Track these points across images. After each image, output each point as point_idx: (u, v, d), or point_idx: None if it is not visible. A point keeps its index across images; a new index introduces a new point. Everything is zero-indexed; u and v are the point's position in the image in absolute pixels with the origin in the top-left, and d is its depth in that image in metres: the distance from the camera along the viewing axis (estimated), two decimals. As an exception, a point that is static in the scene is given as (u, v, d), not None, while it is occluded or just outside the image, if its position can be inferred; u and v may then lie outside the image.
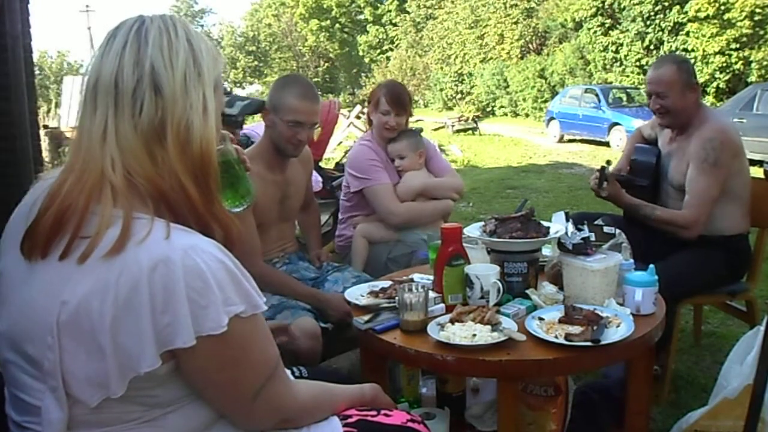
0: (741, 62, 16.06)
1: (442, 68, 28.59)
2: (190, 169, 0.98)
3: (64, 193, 0.95)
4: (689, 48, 16.59)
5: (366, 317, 1.70)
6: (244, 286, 0.95)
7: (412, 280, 1.90)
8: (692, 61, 8.51)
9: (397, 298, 1.65)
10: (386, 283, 1.93)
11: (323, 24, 40.55)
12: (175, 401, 0.98)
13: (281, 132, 2.20)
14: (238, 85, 45.97)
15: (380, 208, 2.63)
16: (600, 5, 19.51)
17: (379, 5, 39.79)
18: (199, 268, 0.90)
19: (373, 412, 1.23)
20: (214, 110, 1.02)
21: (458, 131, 17.87)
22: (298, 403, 1.09)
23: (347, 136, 12.47)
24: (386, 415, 1.23)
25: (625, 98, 15.36)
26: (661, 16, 17.65)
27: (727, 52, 16.07)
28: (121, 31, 1.00)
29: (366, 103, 2.92)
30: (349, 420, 1.19)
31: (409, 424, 1.23)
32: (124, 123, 0.96)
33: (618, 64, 19.39)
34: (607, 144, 13.61)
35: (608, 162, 2.62)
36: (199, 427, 1.01)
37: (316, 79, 36.35)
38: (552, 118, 15.82)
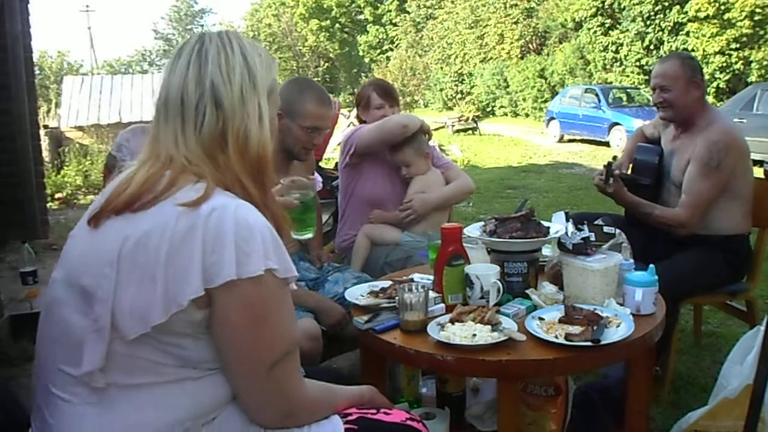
0: (741, 62, 16.07)
1: (442, 68, 28.58)
2: (249, 170, 1.11)
3: (144, 178, 1.08)
4: (689, 48, 16.59)
5: (366, 317, 1.70)
6: (282, 251, 1.07)
7: (412, 280, 1.90)
8: (692, 61, 8.45)
9: (397, 298, 1.65)
10: (386, 283, 1.93)
11: (323, 24, 40.53)
12: (201, 363, 1.06)
13: (297, 136, 2.20)
14: (238, 85, 45.89)
15: (390, 130, 2.57)
16: (600, 5, 19.51)
17: (379, 5, 39.78)
18: (247, 222, 1.03)
19: (373, 410, 1.25)
20: (268, 116, 1.15)
21: (458, 131, 17.87)
22: (304, 396, 1.13)
23: (347, 136, 12.45)
24: (386, 413, 1.25)
25: (625, 98, 15.37)
26: (661, 16, 17.65)
27: (727, 52, 16.08)
28: (185, 52, 1.14)
29: (357, 107, 2.90)
30: (350, 417, 1.20)
31: (409, 422, 1.24)
32: (190, 133, 1.10)
33: (618, 64, 19.39)
34: (607, 144, 13.62)
35: (614, 158, 2.62)
36: (213, 404, 1.07)
37: (316, 79, 36.25)
38: (552, 118, 15.83)
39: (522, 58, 24.33)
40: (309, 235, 1.63)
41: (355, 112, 2.99)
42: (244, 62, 1.13)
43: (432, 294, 1.71)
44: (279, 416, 1.11)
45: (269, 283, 1.04)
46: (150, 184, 1.07)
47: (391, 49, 35.37)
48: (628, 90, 16.16)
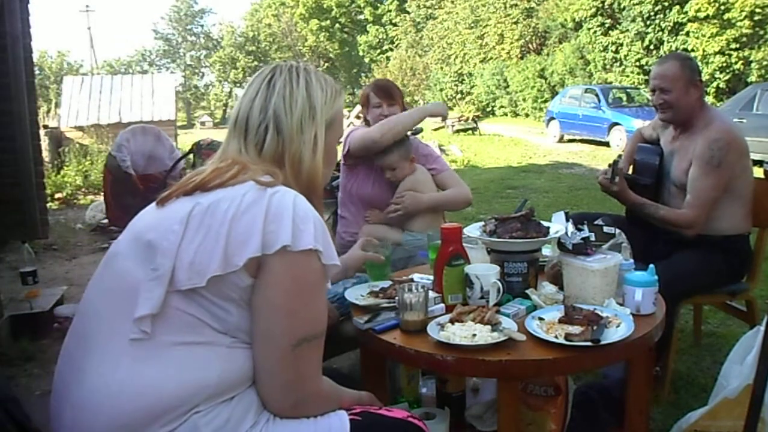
0: (741, 62, 16.07)
1: (442, 68, 28.58)
2: (302, 189, 1.25)
3: (212, 169, 1.23)
4: (689, 48, 16.59)
5: (366, 317, 1.70)
6: (329, 241, 1.19)
7: (412, 280, 1.90)
8: (692, 61, 8.43)
9: (397, 298, 1.65)
10: (386, 283, 1.93)
11: (323, 24, 40.53)
12: (238, 332, 1.15)
13: None
14: (238, 85, 45.98)
15: (364, 142, 2.63)
16: (600, 5, 19.51)
17: (379, 5, 39.78)
18: (305, 206, 1.18)
19: (376, 407, 1.30)
20: (323, 145, 1.30)
21: (458, 131, 17.88)
22: (319, 387, 1.21)
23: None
24: (388, 410, 1.30)
25: (625, 98, 15.37)
26: (661, 16, 17.65)
27: (727, 52, 16.08)
28: (257, 80, 1.32)
29: (361, 106, 2.94)
30: (354, 410, 1.25)
31: (410, 419, 1.29)
32: (251, 149, 1.27)
33: (618, 64, 19.39)
34: (607, 144, 13.62)
35: (619, 156, 2.62)
36: (237, 378, 1.14)
37: (316, 79, 36.19)
38: (552, 118, 15.83)
39: (522, 58, 24.33)
40: (383, 284, 1.92)
41: (355, 111, 3.00)
42: (306, 96, 1.29)
43: (432, 294, 1.71)
44: (291, 403, 1.17)
45: (315, 262, 1.16)
46: (218, 173, 1.21)
47: (391, 49, 35.38)
48: (628, 90, 16.16)
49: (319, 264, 1.16)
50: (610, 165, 2.55)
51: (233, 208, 1.14)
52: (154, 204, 1.24)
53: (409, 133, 2.73)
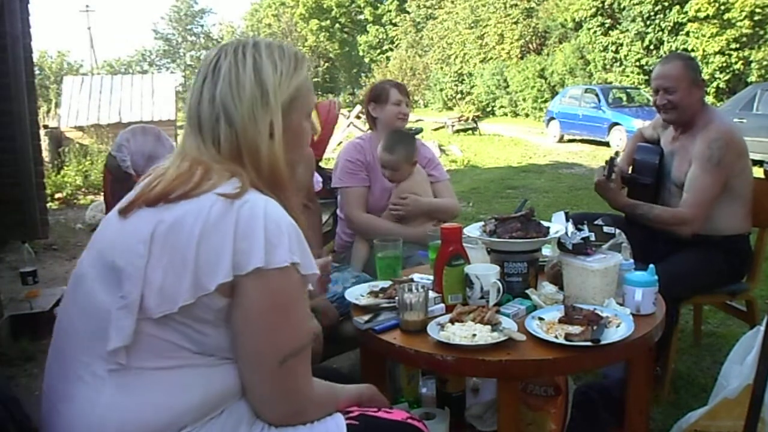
0: (741, 62, 16.07)
1: (442, 68, 28.59)
2: (265, 183, 1.15)
3: (175, 174, 1.12)
4: (689, 48, 16.59)
5: (366, 317, 1.70)
6: (305, 249, 1.10)
7: (412, 280, 1.90)
8: (692, 61, 8.45)
9: (397, 298, 1.65)
10: (386, 283, 1.93)
11: (323, 24, 40.53)
12: (218, 351, 1.09)
13: None
14: (238, 85, 45.87)
15: (344, 210, 2.74)
16: (600, 5, 19.51)
17: (379, 5, 39.78)
18: (277, 216, 1.08)
19: (374, 408, 1.27)
20: (281, 131, 1.16)
21: (458, 131, 17.87)
22: (312, 394, 1.16)
23: (347, 136, 12.48)
24: (387, 412, 1.27)
25: (625, 98, 15.36)
26: (661, 16, 17.65)
27: (727, 52, 16.08)
28: (203, 68, 1.19)
29: (366, 103, 2.92)
30: (351, 414, 1.22)
31: (409, 420, 1.26)
32: (210, 146, 1.15)
33: (618, 64, 19.39)
34: (607, 144, 13.61)
35: (617, 153, 2.62)
36: (223, 395, 1.09)
37: (316, 79, 36.28)
38: (552, 118, 15.82)
39: (522, 58, 24.33)
40: (383, 284, 1.92)
41: (355, 111, 3.01)
42: (255, 80, 1.15)
43: (432, 294, 1.71)
44: (287, 413, 1.13)
45: (293, 276, 1.08)
46: (182, 180, 1.10)
47: (391, 49, 35.39)
48: (628, 90, 16.15)
49: (297, 276, 1.09)
50: (606, 161, 2.55)
51: (199, 225, 1.04)
52: (116, 212, 1.14)
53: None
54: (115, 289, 1.06)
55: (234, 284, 1.04)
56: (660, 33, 17.83)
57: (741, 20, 15.72)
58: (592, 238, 1.77)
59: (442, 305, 1.71)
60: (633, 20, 18.33)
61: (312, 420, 1.17)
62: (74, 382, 1.08)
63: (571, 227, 1.83)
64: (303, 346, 1.12)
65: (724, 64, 16.20)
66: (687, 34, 16.98)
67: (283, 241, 1.06)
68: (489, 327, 1.52)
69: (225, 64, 1.16)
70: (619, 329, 1.53)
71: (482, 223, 1.91)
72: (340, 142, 11.84)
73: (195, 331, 1.07)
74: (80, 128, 13.16)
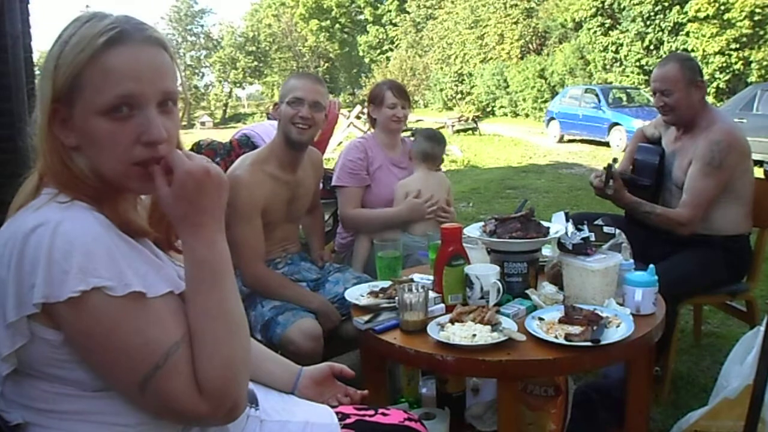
0: (741, 62, 16.08)
1: (442, 68, 28.60)
2: (64, 189, 0.97)
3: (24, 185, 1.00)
4: (689, 48, 16.60)
5: (366, 317, 1.70)
6: (119, 264, 0.90)
7: (412, 280, 1.90)
8: (692, 61, 8.47)
9: (397, 298, 1.65)
10: (386, 283, 1.93)
11: (323, 24, 40.56)
12: (86, 385, 0.94)
13: (285, 114, 2.23)
14: (238, 85, 45.98)
15: (339, 208, 2.77)
16: (600, 5, 19.53)
17: (379, 5, 39.80)
18: (69, 236, 0.88)
19: (371, 412, 1.25)
20: (45, 136, 0.97)
21: (458, 131, 17.88)
22: (197, 398, 0.93)
23: (347, 136, 12.47)
24: (384, 414, 1.25)
25: (625, 98, 15.35)
26: (661, 16, 17.66)
27: (727, 52, 16.09)
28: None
29: (367, 104, 2.92)
30: (348, 420, 1.20)
31: (407, 422, 1.24)
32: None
33: (618, 64, 19.40)
34: (607, 144, 13.60)
35: (614, 160, 2.62)
36: (140, 415, 0.96)
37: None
38: (552, 118, 15.82)
39: (522, 58, 24.34)
40: (383, 284, 1.93)
41: (355, 111, 3.01)
42: (43, 71, 0.97)
43: (432, 294, 1.71)
44: (208, 420, 0.97)
45: (100, 304, 0.88)
46: (21, 190, 1.00)
47: (391, 50, 35.42)
48: (628, 90, 16.15)
49: (106, 301, 0.88)
50: (604, 168, 2.55)
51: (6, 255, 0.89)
52: None
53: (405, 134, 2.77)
54: None
55: (50, 314, 0.88)
56: (660, 33, 17.84)
57: (741, 20, 15.73)
58: (592, 238, 1.77)
59: (442, 305, 1.71)
60: (633, 20, 18.34)
61: (236, 405, 0.96)
62: None
63: (571, 227, 1.83)
64: (161, 360, 0.91)
65: (724, 65, 16.20)
66: (687, 34, 16.99)
67: (70, 267, 0.86)
68: (489, 327, 1.52)
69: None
70: (619, 329, 1.53)
71: (482, 223, 1.91)
72: (340, 142, 11.84)
73: (48, 375, 0.93)
74: (80, 128, 13.14)
